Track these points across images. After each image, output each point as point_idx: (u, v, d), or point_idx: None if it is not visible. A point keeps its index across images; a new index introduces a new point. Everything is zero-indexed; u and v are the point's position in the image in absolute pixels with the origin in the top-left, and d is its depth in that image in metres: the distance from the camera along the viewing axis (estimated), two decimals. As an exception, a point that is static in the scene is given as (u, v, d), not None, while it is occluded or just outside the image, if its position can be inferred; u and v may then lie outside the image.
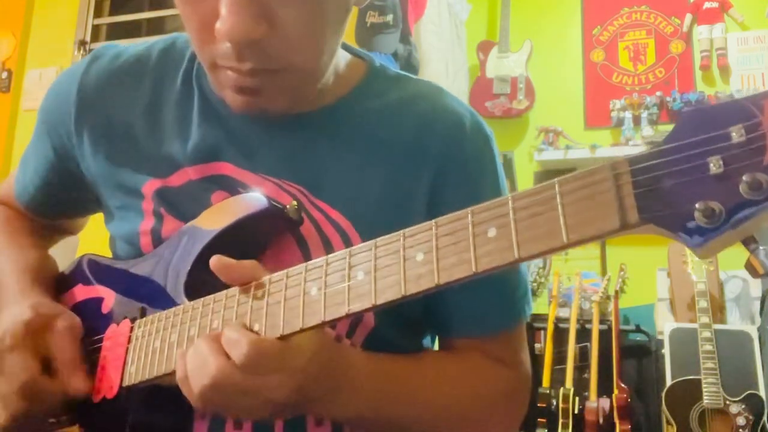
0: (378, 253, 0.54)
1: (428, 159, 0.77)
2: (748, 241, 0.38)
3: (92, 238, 1.04)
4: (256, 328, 0.60)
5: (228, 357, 0.58)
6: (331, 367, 0.63)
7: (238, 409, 0.62)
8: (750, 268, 0.38)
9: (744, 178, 0.37)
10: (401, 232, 0.54)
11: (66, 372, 0.73)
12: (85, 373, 0.74)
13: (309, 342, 0.60)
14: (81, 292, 0.85)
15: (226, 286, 0.65)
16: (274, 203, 0.71)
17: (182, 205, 0.78)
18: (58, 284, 0.88)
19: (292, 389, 0.59)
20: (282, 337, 0.59)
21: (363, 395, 0.67)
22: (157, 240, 0.78)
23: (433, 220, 0.52)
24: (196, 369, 0.60)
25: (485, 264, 0.47)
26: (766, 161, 0.37)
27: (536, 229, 0.45)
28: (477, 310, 0.79)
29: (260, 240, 0.74)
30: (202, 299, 0.67)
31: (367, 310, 0.54)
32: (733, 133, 0.38)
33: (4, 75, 3.73)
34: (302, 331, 0.58)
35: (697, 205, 0.38)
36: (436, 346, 0.90)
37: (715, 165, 0.38)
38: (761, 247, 0.38)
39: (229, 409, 0.62)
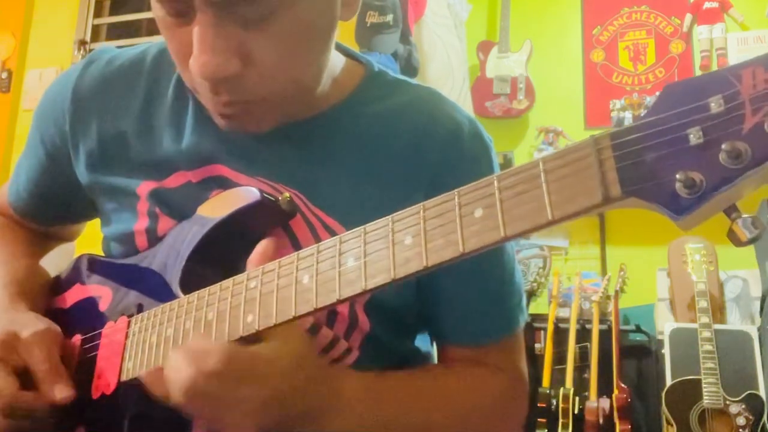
0: (367, 238, 0.55)
1: (425, 166, 0.76)
2: (730, 210, 0.39)
3: (89, 242, 1.03)
4: (249, 319, 0.60)
5: (197, 366, 0.57)
6: (318, 383, 0.62)
7: (219, 421, 0.60)
8: (732, 236, 0.38)
9: (723, 147, 0.37)
10: (390, 216, 0.54)
11: (46, 381, 0.72)
12: (65, 377, 0.73)
13: (286, 354, 0.59)
14: (79, 292, 0.85)
15: (221, 278, 0.65)
16: (267, 195, 0.72)
17: (179, 205, 0.77)
18: (54, 287, 0.88)
19: (266, 401, 0.58)
20: (278, 325, 0.58)
21: (355, 415, 0.66)
22: (153, 239, 0.78)
23: (421, 204, 0.52)
24: (172, 377, 0.59)
25: (473, 244, 0.47)
26: (744, 130, 0.37)
27: (522, 207, 0.45)
28: (472, 320, 0.78)
29: (256, 235, 0.74)
30: (197, 292, 0.67)
31: (358, 295, 0.54)
32: (712, 104, 0.38)
33: (4, 75, 3.74)
34: (294, 319, 0.57)
35: (677, 176, 0.38)
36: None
37: (695, 136, 0.38)
38: (743, 216, 0.38)
39: (211, 420, 0.61)
